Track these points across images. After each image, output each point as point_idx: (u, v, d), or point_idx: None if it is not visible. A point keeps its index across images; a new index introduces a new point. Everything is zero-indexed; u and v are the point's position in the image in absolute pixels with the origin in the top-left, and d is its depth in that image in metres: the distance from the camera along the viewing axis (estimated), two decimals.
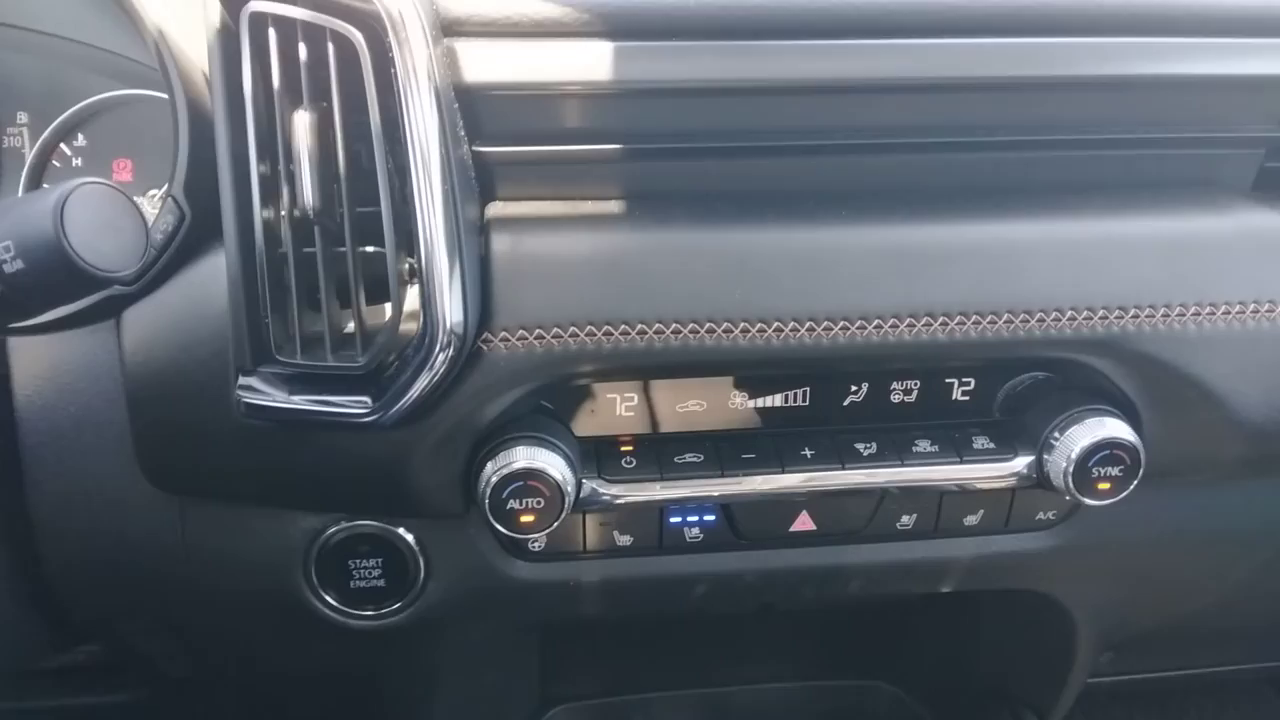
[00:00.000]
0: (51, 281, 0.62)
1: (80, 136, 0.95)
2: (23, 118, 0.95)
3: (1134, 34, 0.81)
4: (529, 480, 0.78)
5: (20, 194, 0.96)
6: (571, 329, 0.77)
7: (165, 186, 0.92)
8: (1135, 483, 0.85)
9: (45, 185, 0.97)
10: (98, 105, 0.94)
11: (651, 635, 1.27)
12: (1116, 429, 0.83)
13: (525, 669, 1.22)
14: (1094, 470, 0.83)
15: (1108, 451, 0.83)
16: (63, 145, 0.96)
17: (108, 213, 0.63)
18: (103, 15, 0.88)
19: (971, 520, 0.92)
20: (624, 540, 0.90)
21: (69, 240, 0.60)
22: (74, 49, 0.92)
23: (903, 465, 0.86)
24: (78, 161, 0.96)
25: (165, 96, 0.89)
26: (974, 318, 0.80)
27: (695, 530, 0.90)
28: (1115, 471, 0.83)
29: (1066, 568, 0.98)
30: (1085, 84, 0.81)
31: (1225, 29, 0.82)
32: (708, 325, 0.78)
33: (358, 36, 0.70)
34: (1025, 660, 1.18)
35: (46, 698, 1.23)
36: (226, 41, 0.73)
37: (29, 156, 0.95)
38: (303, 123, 0.72)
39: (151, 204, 0.89)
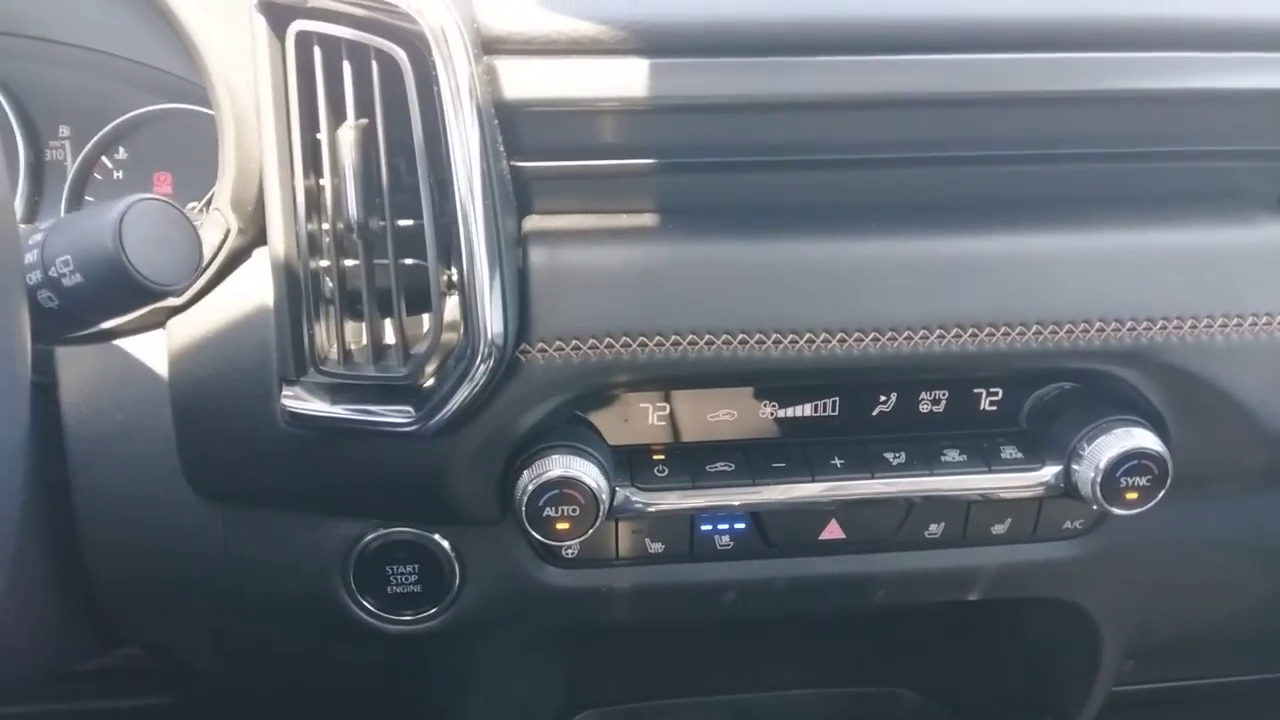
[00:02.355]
0: (108, 295, 0.64)
1: (121, 150, 0.97)
2: (65, 131, 0.97)
3: (1160, 49, 0.81)
4: (565, 488, 0.80)
5: (63, 206, 0.98)
6: (607, 340, 0.78)
7: (205, 199, 0.95)
8: (1163, 492, 0.85)
9: (88, 198, 0.99)
10: (139, 119, 0.96)
11: (677, 641, 1.28)
12: (1144, 439, 0.84)
13: (554, 674, 1.23)
14: (1122, 480, 0.84)
15: (1135, 462, 0.84)
16: (104, 158, 0.98)
17: (163, 227, 0.65)
18: (143, 30, 0.90)
19: (999, 529, 0.93)
20: (655, 547, 0.91)
21: (127, 255, 0.62)
22: (115, 64, 0.94)
23: (931, 475, 0.87)
24: (119, 175, 0.98)
25: (204, 111, 0.91)
26: (1003, 329, 0.81)
27: (725, 538, 0.91)
28: (1143, 481, 0.84)
29: (1093, 576, 0.99)
30: (1112, 98, 0.82)
31: (1250, 44, 0.83)
32: (740, 336, 0.79)
33: (401, 55, 0.72)
34: (1050, 669, 1.19)
35: (85, 699, 1.25)
36: (273, 59, 0.75)
37: (71, 170, 0.97)
38: (348, 138, 0.74)
39: (191, 217, 0.91)
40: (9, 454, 0.48)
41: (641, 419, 0.88)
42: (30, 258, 0.63)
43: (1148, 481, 0.84)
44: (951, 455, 0.88)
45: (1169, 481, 0.85)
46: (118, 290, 0.64)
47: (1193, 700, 1.48)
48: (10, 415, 0.47)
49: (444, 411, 0.76)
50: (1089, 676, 1.13)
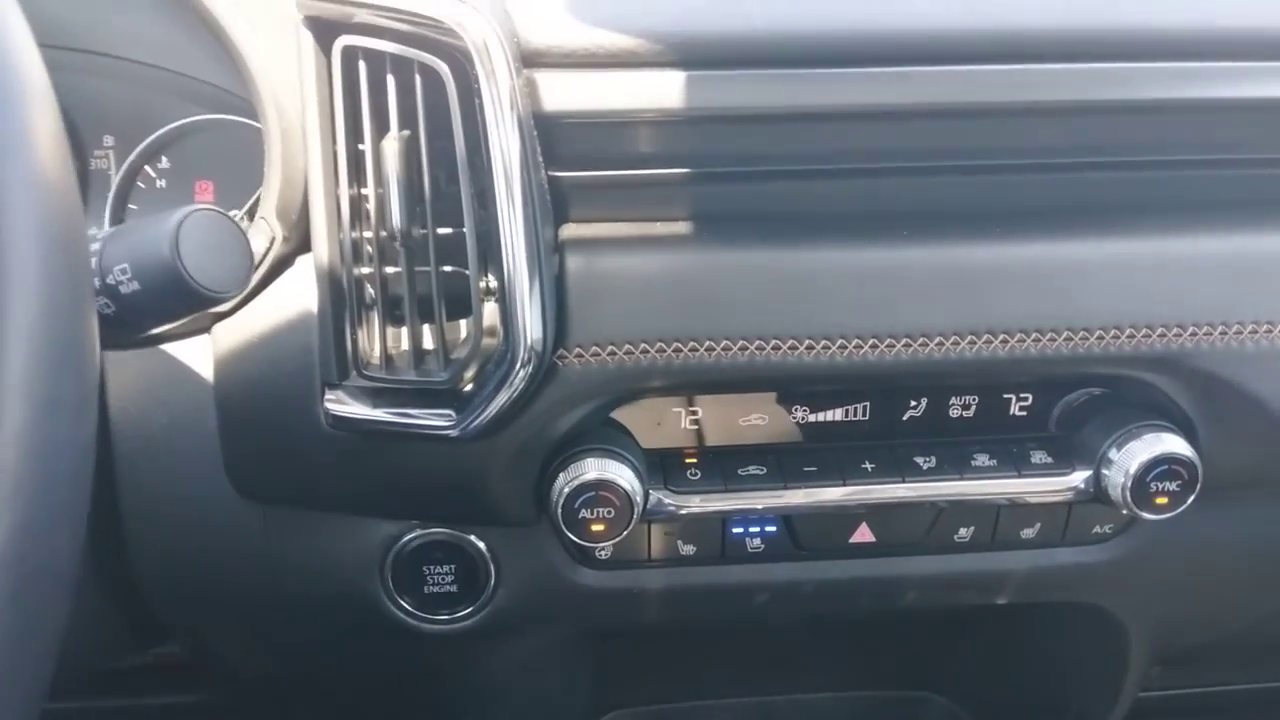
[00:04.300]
0: (164, 301, 0.66)
1: (164, 159, 0.99)
2: (109, 141, 0.99)
3: (1190, 59, 0.82)
4: (600, 490, 0.81)
5: (107, 214, 1.01)
6: (643, 345, 0.80)
7: (246, 207, 0.97)
8: (1192, 497, 0.86)
9: (132, 206, 1.01)
10: (181, 129, 0.98)
11: (703, 643, 1.29)
12: (1174, 444, 0.84)
13: (583, 674, 1.24)
14: (1152, 485, 0.84)
15: (1165, 467, 0.84)
16: (147, 168, 1.00)
17: (217, 236, 0.67)
18: (186, 42, 0.91)
19: (1028, 533, 0.94)
20: (687, 550, 0.92)
21: (184, 263, 0.64)
22: (159, 75, 0.95)
23: (961, 479, 0.88)
24: (161, 184, 1.00)
25: (246, 121, 0.93)
26: (1034, 335, 0.82)
27: (757, 541, 0.93)
28: (1173, 486, 0.85)
29: (1122, 581, 0.99)
30: (1143, 108, 0.82)
31: None
32: (773, 342, 0.81)
33: (444, 69, 0.74)
34: (1078, 673, 1.19)
35: (116, 697, 1.27)
36: (319, 73, 0.77)
37: (115, 179, 0.99)
38: (391, 149, 0.76)
39: None
40: (81, 455, 0.50)
41: (674, 423, 0.89)
42: None
43: (1178, 486, 0.85)
44: (981, 460, 0.89)
45: (1199, 487, 0.85)
46: (173, 297, 0.66)
47: (1219, 707, 1.48)
48: (83, 415, 0.49)
49: (483, 415, 0.78)
50: (1116, 681, 1.14)
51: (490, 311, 0.79)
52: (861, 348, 0.81)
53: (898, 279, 0.81)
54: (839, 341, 0.81)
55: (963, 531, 0.93)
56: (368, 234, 0.80)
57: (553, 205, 0.82)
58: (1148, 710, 1.32)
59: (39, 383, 0.45)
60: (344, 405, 0.81)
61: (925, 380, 0.87)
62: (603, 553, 0.93)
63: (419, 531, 0.91)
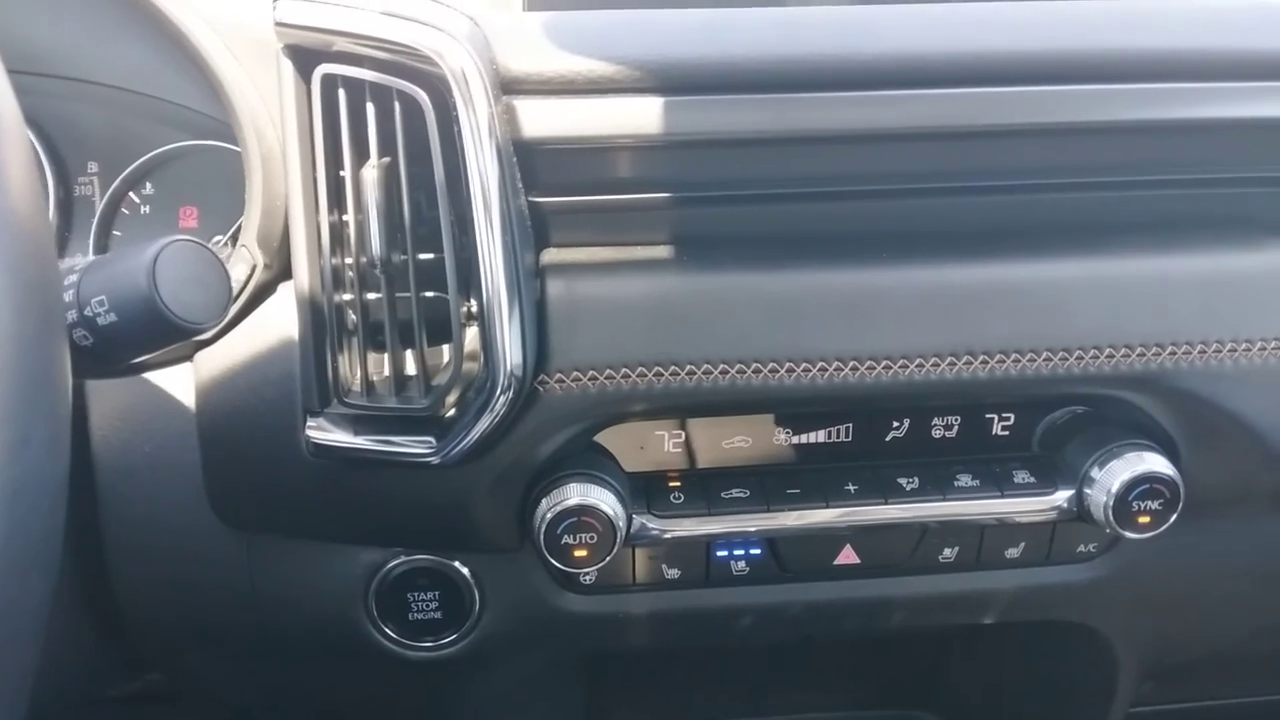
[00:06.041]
0: (142, 333, 0.66)
1: (148, 185, 1.00)
2: (93, 167, 0.99)
3: (1168, 80, 0.83)
4: (582, 516, 0.81)
5: (91, 240, 1.01)
6: (624, 370, 0.80)
7: (230, 232, 0.97)
8: (1175, 516, 0.86)
9: (116, 233, 1.01)
10: (165, 155, 0.98)
11: (693, 666, 1.28)
12: (1155, 463, 0.85)
13: (571, 698, 1.24)
14: (1134, 504, 0.85)
15: (1147, 486, 0.84)
16: (131, 194, 1.00)
17: (195, 267, 0.67)
18: (169, 70, 0.92)
19: (1013, 553, 0.94)
20: (672, 573, 0.92)
21: (161, 295, 0.64)
22: (142, 102, 0.96)
23: (944, 500, 0.88)
24: (146, 209, 1.00)
25: (229, 147, 0.94)
26: (1014, 356, 0.82)
27: (741, 564, 0.92)
28: (1155, 505, 0.85)
29: (1108, 599, 0.99)
30: (1121, 129, 0.83)
31: (1256, 73, 0.84)
32: (754, 365, 0.81)
33: (423, 96, 0.74)
34: (1067, 691, 1.19)
35: None
36: (299, 100, 0.77)
37: (99, 205, 0.99)
38: (371, 176, 0.76)
39: (216, 250, 0.93)
40: (53, 491, 0.50)
41: (657, 446, 0.89)
42: (66, 298, 0.65)
43: (1159, 505, 0.85)
44: (964, 480, 0.89)
45: (1181, 505, 0.86)
46: (151, 329, 0.66)
47: None
48: (54, 453, 0.49)
49: (464, 442, 0.78)
50: (1106, 698, 1.14)
51: (471, 337, 0.79)
52: (842, 370, 0.81)
53: (878, 301, 0.82)
54: (819, 364, 0.81)
55: (947, 552, 0.93)
56: (348, 260, 0.80)
57: (533, 230, 0.82)
58: None
59: (9, 421, 0.45)
60: (325, 433, 0.81)
61: (907, 401, 0.87)
62: (587, 578, 0.93)
63: (403, 558, 0.91)
